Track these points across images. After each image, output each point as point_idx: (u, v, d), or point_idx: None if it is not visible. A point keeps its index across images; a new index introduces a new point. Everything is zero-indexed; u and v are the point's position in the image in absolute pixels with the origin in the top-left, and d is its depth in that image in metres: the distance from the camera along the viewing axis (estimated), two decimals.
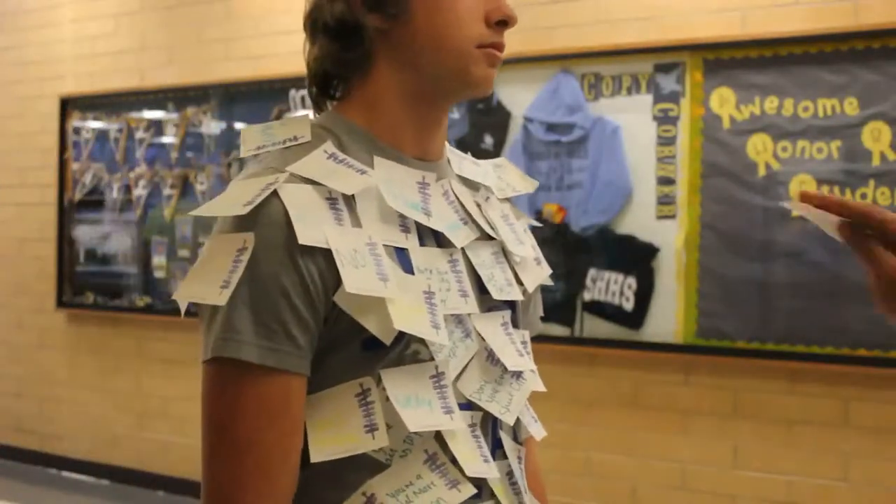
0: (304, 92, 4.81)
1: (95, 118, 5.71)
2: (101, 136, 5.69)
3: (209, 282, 1.06)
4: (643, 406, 3.98)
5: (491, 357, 1.20)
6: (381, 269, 1.09)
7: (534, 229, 1.41)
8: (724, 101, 3.78)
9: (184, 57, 5.38)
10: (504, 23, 1.17)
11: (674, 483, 3.92)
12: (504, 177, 1.37)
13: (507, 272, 1.26)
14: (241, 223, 1.06)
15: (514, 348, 1.23)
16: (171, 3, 5.46)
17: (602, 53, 4.03)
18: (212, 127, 5.27)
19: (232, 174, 5.12)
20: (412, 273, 1.13)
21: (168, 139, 5.44)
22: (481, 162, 1.36)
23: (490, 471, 1.15)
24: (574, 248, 4.06)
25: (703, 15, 3.88)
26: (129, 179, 5.57)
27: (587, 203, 4.05)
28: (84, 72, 5.75)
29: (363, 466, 1.09)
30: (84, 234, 5.78)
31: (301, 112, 4.76)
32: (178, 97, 5.37)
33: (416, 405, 1.09)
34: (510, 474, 1.22)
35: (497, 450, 1.20)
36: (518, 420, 1.25)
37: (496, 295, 1.21)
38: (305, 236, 1.05)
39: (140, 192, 5.52)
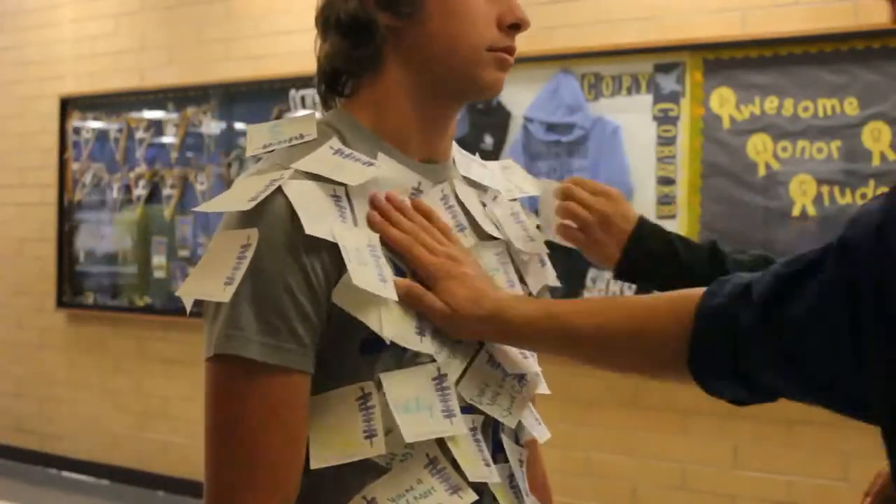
0: (304, 92, 4.81)
1: (95, 118, 5.71)
2: (101, 136, 5.69)
3: (213, 278, 1.05)
4: (643, 406, 3.98)
5: (492, 360, 1.18)
6: (381, 270, 1.08)
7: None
8: (724, 101, 3.79)
9: (184, 57, 5.38)
10: (517, 26, 1.17)
11: (674, 483, 3.92)
12: (512, 178, 1.37)
13: (510, 273, 1.25)
14: (246, 219, 1.05)
15: (516, 350, 1.22)
16: (171, 3, 5.46)
17: (602, 53, 4.03)
18: (212, 127, 5.27)
19: (232, 174, 5.12)
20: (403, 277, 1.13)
21: (168, 139, 5.44)
22: (489, 163, 1.35)
23: (491, 475, 1.14)
24: (574, 248, 4.05)
25: (703, 15, 3.89)
26: (129, 179, 5.57)
27: None
28: (84, 72, 5.75)
29: (364, 470, 1.08)
30: (84, 234, 5.78)
31: (301, 112, 4.76)
32: (178, 97, 5.37)
33: (416, 410, 1.08)
34: (511, 477, 1.20)
35: (498, 453, 1.19)
36: (520, 422, 1.23)
37: None
38: (312, 228, 1.04)
39: (140, 192, 5.52)
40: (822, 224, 3.60)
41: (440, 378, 1.10)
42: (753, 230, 3.72)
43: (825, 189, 3.60)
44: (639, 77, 3.96)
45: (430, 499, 1.09)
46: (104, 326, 5.67)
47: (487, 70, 1.17)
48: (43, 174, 5.95)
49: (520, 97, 4.22)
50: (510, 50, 1.19)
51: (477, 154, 1.38)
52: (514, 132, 4.24)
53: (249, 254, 1.04)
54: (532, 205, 1.53)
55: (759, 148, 3.72)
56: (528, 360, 1.24)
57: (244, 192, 1.06)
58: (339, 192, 1.09)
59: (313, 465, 1.06)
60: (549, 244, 1.48)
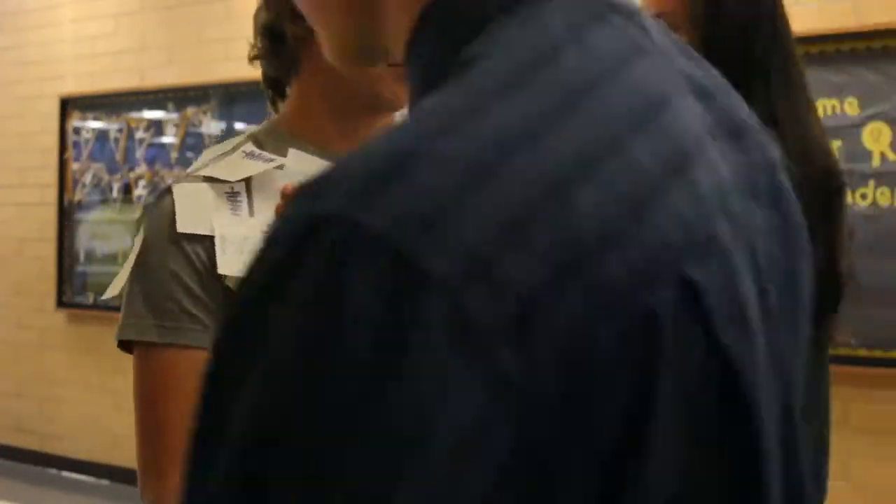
0: None
1: (95, 118, 5.71)
2: (101, 136, 5.69)
3: (121, 277, 1.22)
4: None
5: None
6: None
7: None
8: None
9: (184, 57, 5.38)
10: None
11: None
12: None
13: None
14: (142, 219, 1.23)
15: None
16: (171, 3, 5.46)
17: None
18: (212, 127, 5.27)
19: None
20: None
21: (168, 139, 5.44)
22: None
23: None
24: None
25: None
26: (129, 179, 5.57)
27: None
28: (84, 72, 5.75)
29: None
30: (84, 234, 5.78)
31: None
32: (178, 97, 5.37)
33: None
34: None
35: None
36: None
37: None
38: (185, 225, 1.17)
39: (140, 192, 5.53)
40: None
41: None
42: None
43: None
44: None
45: None
46: (104, 326, 5.67)
47: (385, 83, 1.21)
48: (43, 174, 5.95)
49: None
50: None
51: None
52: None
53: (137, 251, 1.19)
54: None
55: None
56: None
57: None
58: (238, 189, 1.21)
59: None
60: None
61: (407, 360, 0.37)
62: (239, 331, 0.41)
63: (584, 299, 0.40)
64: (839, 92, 3.58)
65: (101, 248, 5.69)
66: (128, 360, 1.24)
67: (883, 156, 3.52)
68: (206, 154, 1.30)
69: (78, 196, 5.79)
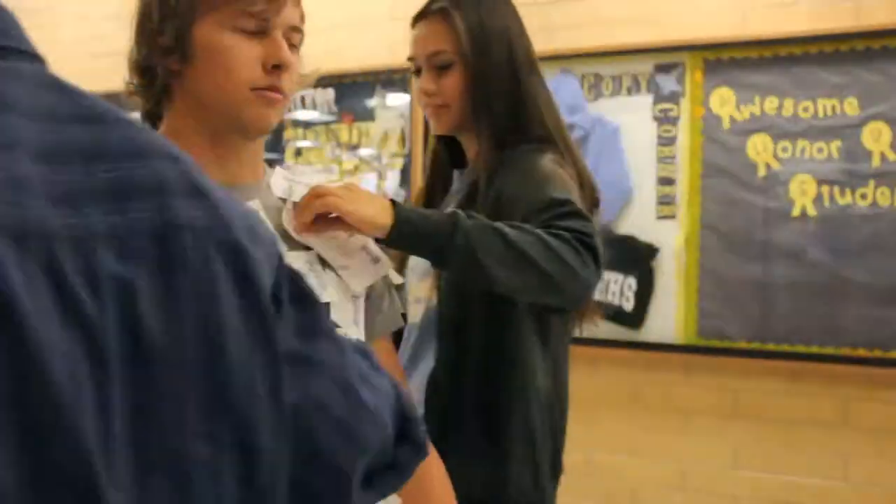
0: (304, 92, 4.81)
1: None
2: None
3: None
4: (643, 406, 3.98)
5: None
6: None
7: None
8: (724, 102, 3.79)
9: None
10: (279, 67, 1.31)
11: (674, 483, 3.92)
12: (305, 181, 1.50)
13: (321, 277, 1.37)
14: None
15: None
16: None
17: (602, 54, 4.03)
18: None
19: None
20: None
21: None
22: (315, 178, 1.52)
23: None
24: None
25: (703, 15, 3.88)
26: None
27: None
28: (84, 72, 5.74)
29: None
30: None
31: (300, 112, 4.76)
32: None
33: None
34: None
35: None
36: None
37: None
38: None
39: None
40: (822, 224, 3.60)
41: None
42: (753, 230, 3.72)
43: (825, 189, 3.60)
44: (639, 77, 3.96)
45: None
46: None
47: (250, 108, 1.30)
48: None
49: None
50: (274, 88, 1.31)
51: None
52: None
53: None
54: None
55: (759, 148, 3.72)
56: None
57: None
58: None
59: None
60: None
61: None
62: None
63: None
64: (839, 92, 3.58)
65: None
66: None
67: (883, 156, 3.52)
68: None
69: None
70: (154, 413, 0.58)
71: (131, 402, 0.57)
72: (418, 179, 4.39)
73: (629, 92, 3.98)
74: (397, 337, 1.75)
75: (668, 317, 3.87)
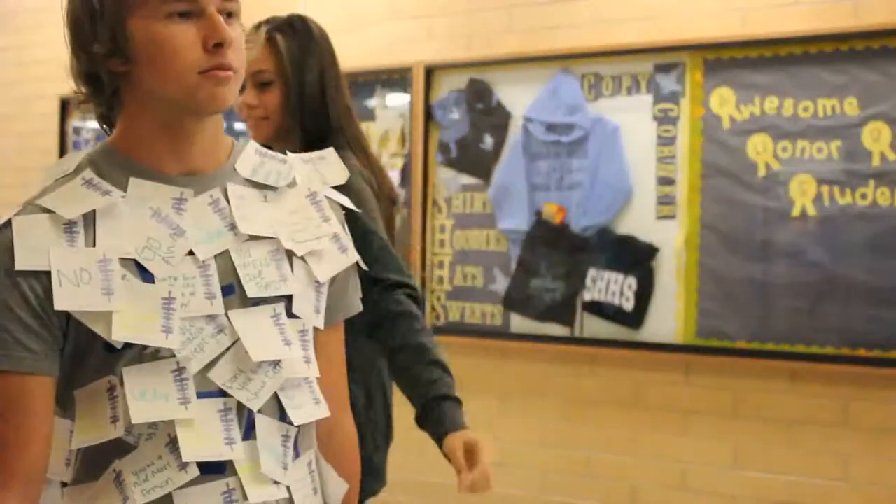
0: None
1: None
2: (101, 136, 5.67)
3: None
4: (643, 406, 3.98)
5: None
6: (108, 284, 1.27)
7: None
8: (724, 101, 3.79)
9: None
10: (220, 45, 1.31)
11: (674, 483, 3.92)
12: (321, 168, 1.50)
13: (283, 268, 1.38)
14: None
15: (278, 339, 1.36)
16: None
17: (602, 53, 4.03)
18: None
19: None
20: (154, 283, 1.30)
21: None
22: (291, 157, 1.48)
23: (228, 453, 1.30)
24: (574, 248, 4.06)
25: (703, 15, 3.88)
26: None
27: (587, 203, 4.05)
28: None
29: (116, 449, 1.29)
30: None
31: None
32: None
33: (153, 398, 1.27)
34: (263, 451, 1.35)
35: (250, 431, 1.34)
36: (296, 402, 1.38)
37: (253, 293, 1.34)
38: (23, 262, 1.25)
39: None
40: (822, 224, 3.60)
41: (179, 371, 1.29)
42: (753, 230, 3.72)
43: (825, 189, 3.60)
44: (639, 77, 3.96)
45: (164, 473, 1.29)
46: None
47: (202, 90, 1.30)
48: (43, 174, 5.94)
49: (520, 97, 4.22)
50: (221, 66, 1.31)
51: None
52: (514, 132, 4.24)
53: None
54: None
55: (759, 148, 3.72)
56: (289, 348, 1.36)
57: None
58: (75, 220, 1.28)
59: (73, 446, 1.30)
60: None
61: None
62: None
63: None
64: (839, 92, 3.58)
65: None
66: None
67: (883, 156, 3.52)
68: (52, 170, 1.38)
69: None
70: None
71: None
72: (418, 179, 4.40)
73: (629, 92, 3.98)
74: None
75: (668, 317, 3.87)
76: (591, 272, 4.03)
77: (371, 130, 4.57)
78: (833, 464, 3.62)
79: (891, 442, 3.53)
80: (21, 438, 1.26)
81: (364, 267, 1.54)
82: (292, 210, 1.43)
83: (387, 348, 2.13)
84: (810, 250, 3.61)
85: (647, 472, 3.97)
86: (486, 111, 4.31)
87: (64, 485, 1.35)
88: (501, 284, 4.23)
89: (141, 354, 1.29)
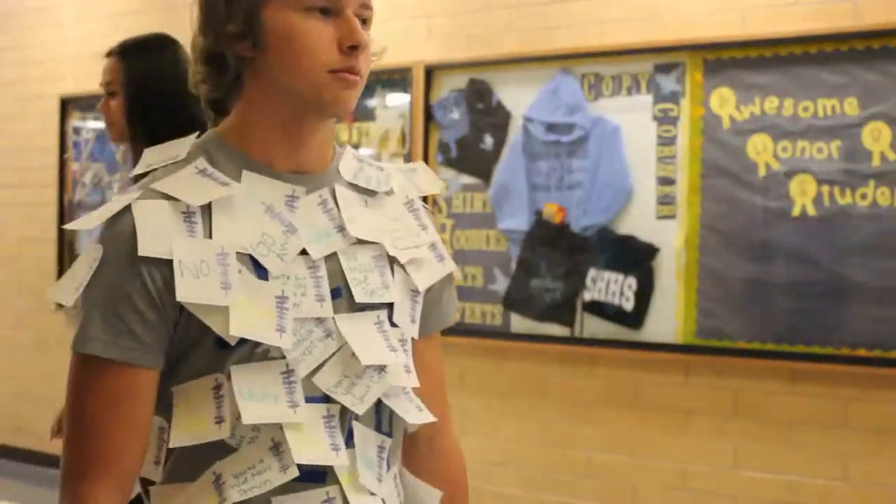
0: None
1: (95, 118, 5.70)
2: (101, 136, 5.68)
3: (69, 285, 1.25)
4: (643, 406, 3.98)
5: (354, 354, 1.30)
6: (226, 278, 1.23)
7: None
8: (724, 102, 3.79)
9: None
10: (355, 48, 1.29)
11: (674, 483, 3.92)
12: (414, 179, 1.48)
13: (385, 274, 1.36)
14: (101, 235, 1.25)
15: (383, 345, 1.33)
16: (172, 2, 5.46)
17: (602, 53, 4.03)
18: None
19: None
20: (267, 279, 1.26)
21: None
22: (387, 166, 1.46)
23: (336, 459, 1.27)
24: (574, 248, 4.06)
25: (703, 15, 3.89)
26: (129, 180, 5.57)
27: (587, 203, 4.05)
28: (84, 72, 5.74)
29: (216, 450, 1.24)
30: (84, 234, 5.78)
31: None
32: None
33: (261, 399, 1.24)
34: (363, 461, 1.31)
35: (349, 440, 1.31)
36: (392, 411, 1.35)
37: (360, 298, 1.31)
38: (146, 248, 1.21)
39: None
40: (823, 224, 3.60)
41: (288, 373, 1.26)
42: (753, 230, 3.72)
43: (825, 189, 3.60)
44: (639, 77, 3.96)
45: (264, 475, 1.25)
46: None
47: (328, 90, 1.27)
48: (43, 174, 5.95)
49: (520, 97, 4.22)
50: (352, 70, 1.29)
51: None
52: (515, 132, 4.24)
53: (95, 266, 1.23)
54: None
55: (759, 148, 3.72)
56: (395, 354, 1.33)
57: (105, 212, 1.25)
58: (193, 209, 1.24)
59: (171, 445, 1.25)
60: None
61: None
62: None
63: None
64: (839, 92, 3.58)
65: None
66: None
67: (883, 156, 3.52)
68: (151, 156, 1.32)
69: (78, 196, 5.79)
70: None
71: None
72: None
73: (629, 92, 3.99)
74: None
75: (668, 317, 3.87)
76: (591, 272, 4.03)
77: (371, 130, 4.57)
78: (833, 464, 3.62)
79: (891, 442, 3.53)
80: (124, 433, 1.22)
81: (459, 276, 1.53)
82: (393, 217, 1.40)
83: None
84: (810, 250, 3.61)
85: (647, 472, 3.97)
86: (486, 111, 4.31)
87: (146, 482, 1.31)
88: (501, 284, 4.23)
89: (252, 353, 1.24)
